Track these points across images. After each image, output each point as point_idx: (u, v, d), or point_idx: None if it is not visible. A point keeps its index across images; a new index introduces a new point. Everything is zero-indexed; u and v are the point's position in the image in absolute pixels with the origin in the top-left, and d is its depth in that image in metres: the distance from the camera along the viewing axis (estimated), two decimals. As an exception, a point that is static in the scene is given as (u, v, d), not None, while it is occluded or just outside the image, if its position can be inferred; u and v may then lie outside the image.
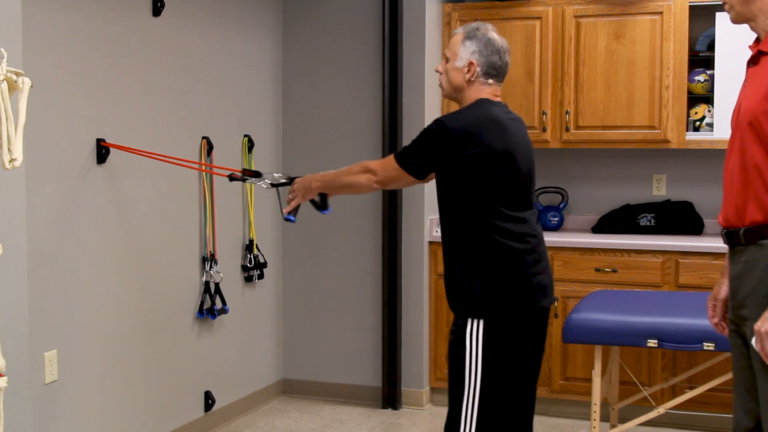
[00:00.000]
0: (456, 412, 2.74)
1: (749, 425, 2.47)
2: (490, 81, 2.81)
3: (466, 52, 2.80)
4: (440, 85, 2.91)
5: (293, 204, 3.05)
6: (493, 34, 2.81)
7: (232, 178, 3.36)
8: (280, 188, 3.31)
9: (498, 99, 2.84)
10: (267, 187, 3.30)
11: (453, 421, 2.75)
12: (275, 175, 3.31)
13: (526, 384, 2.86)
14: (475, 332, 2.71)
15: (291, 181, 3.16)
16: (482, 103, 2.78)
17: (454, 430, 2.74)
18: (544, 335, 2.89)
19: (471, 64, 2.79)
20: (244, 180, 3.35)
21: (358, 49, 4.87)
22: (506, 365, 2.73)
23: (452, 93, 2.87)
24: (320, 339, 5.03)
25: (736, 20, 2.46)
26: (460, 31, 2.85)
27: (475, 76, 2.79)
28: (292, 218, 3.09)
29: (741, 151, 2.36)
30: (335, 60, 4.93)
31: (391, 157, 2.81)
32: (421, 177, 2.81)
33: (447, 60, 2.86)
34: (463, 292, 2.75)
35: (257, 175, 3.31)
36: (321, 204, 3.08)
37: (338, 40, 4.92)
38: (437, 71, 2.91)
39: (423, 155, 2.75)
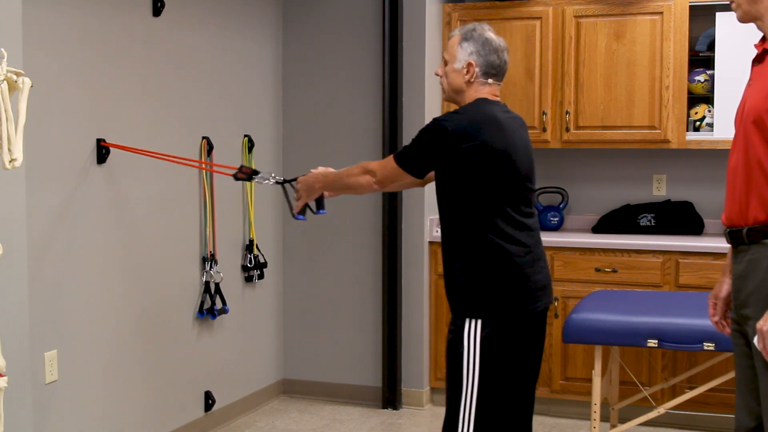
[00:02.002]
0: (454, 412, 2.74)
1: (751, 425, 2.46)
2: (490, 81, 2.81)
3: (464, 54, 2.80)
4: (441, 88, 2.92)
5: (300, 204, 3.10)
6: (490, 34, 2.81)
7: (236, 178, 3.36)
8: (286, 187, 3.32)
9: (497, 98, 2.84)
10: (273, 184, 3.31)
11: (451, 421, 2.75)
12: (272, 174, 3.33)
13: (525, 384, 2.86)
14: (473, 332, 2.71)
15: (292, 180, 3.17)
16: (480, 102, 2.78)
17: (451, 430, 2.74)
18: (542, 335, 2.89)
19: (470, 65, 2.79)
20: (249, 179, 3.35)
21: (358, 49, 4.87)
22: (504, 365, 2.72)
23: (452, 95, 2.87)
24: (320, 339, 5.03)
25: (743, 19, 2.46)
26: (456, 33, 2.85)
27: (474, 76, 2.79)
28: (303, 217, 3.12)
29: (744, 150, 2.36)
30: (335, 60, 4.93)
31: (390, 158, 2.82)
32: (420, 176, 2.81)
33: (446, 63, 2.86)
34: (461, 292, 2.75)
35: (256, 173, 3.33)
36: (317, 205, 3.11)
37: (338, 40, 4.92)
38: (437, 74, 2.92)
39: (421, 154, 2.75)
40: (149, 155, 3.77)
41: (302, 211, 3.13)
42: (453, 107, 2.92)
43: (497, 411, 2.74)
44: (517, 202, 2.76)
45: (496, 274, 2.71)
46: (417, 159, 2.76)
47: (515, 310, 2.74)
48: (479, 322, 2.71)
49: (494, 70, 2.81)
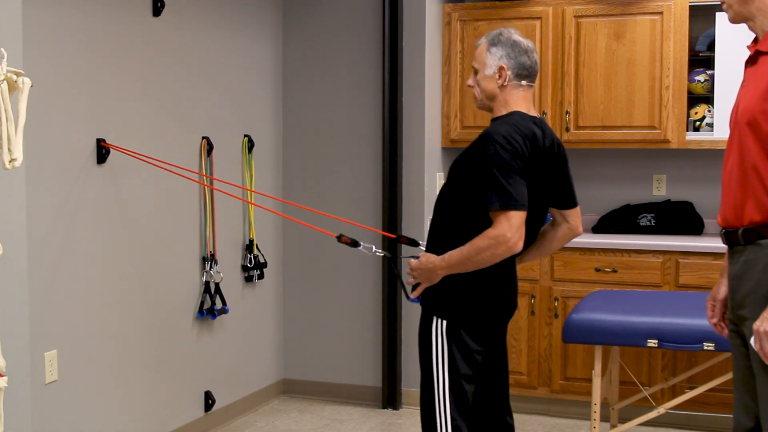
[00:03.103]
0: (430, 404, 2.79)
1: (749, 425, 2.47)
2: (523, 83, 2.78)
3: (493, 59, 2.77)
4: (474, 98, 2.88)
5: (420, 290, 2.85)
6: (517, 36, 2.80)
7: (340, 240, 3.17)
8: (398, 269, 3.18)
9: (533, 112, 2.80)
10: (382, 255, 3.13)
11: (428, 412, 2.80)
12: (373, 248, 3.13)
13: (495, 384, 2.93)
14: (439, 330, 2.77)
15: (393, 258, 3.02)
16: (524, 118, 2.74)
17: (430, 420, 2.79)
18: (504, 338, 2.97)
19: (501, 68, 2.76)
20: (355, 246, 3.14)
21: (358, 49, 4.87)
22: (468, 365, 2.78)
23: (486, 102, 2.83)
24: (320, 339, 5.03)
25: (734, 20, 2.46)
26: (483, 41, 2.82)
27: (507, 80, 2.77)
28: (419, 301, 2.90)
29: (739, 151, 2.36)
30: (335, 60, 4.93)
31: (500, 214, 2.60)
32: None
33: (476, 72, 2.83)
34: (434, 289, 2.79)
35: (355, 244, 3.13)
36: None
37: (338, 40, 4.92)
38: (469, 86, 2.87)
39: (516, 184, 2.61)
40: (152, 163, 3.76)
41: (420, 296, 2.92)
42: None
43: (469, 402, 2.80)
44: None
45: (469, 279, 2.74)
46: (521, 189, 2.62)
47: (480, 317, 2.79)
48: (445, 322, 2.77)
49: (526, 71, 2.79)
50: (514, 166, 2.61)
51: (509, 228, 2.58)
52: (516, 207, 2.58)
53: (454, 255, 2.69)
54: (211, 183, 4.31)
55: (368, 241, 3.12)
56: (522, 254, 2.86)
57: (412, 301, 2.89)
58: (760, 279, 2.32)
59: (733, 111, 2.44)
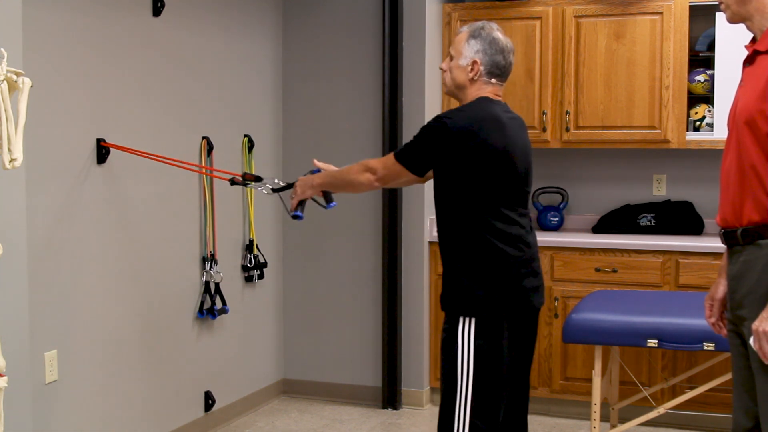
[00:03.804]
0: (449, 410, 2.76)
1: (748, 425, 2.47)
2: (493, 80, 2.81)
3: (470, 51, 2.80)
4: (443, 82, 2.91)
5: (294, 201, 3.08)
6: (498, 34, 2.81)
7: (233, 182, 3.37)
8: (282, 192, 3.31)
9: (499, 98, 2.84)
10: (268, 193, 3.31)
11: (446, 420, 2.76)
12: (276, 180, 3.31)
13: (518, 382, 2.89)
14: (466, 331, 2.73)
15: (292, 185, 3.16)
16: (482, 101, 2.78)
17: (447, 427, 2.75)
18: (534, 335, 2.92)
19: (474, 62, 2.79)
20: (245, 184, 3.35)
21: (358, 49, 4.87)
22: (497, 364, 2.74)
23: (454, 90, 2.87)
24: (320, 339, 5.03)
25: (732, 20, 2.46)
26: (465, 30, 2.85)
27: (478, 74, 2.80)
28: (299, 214, 3.11)
29: (738, 151, 2.36)
30: (335, 60, 4.93)
31: (390, 155, 2.82)
32: (421, 174, 2.81)
33: (451, 58, 2.86)
34: (454, 290, 2.77)
35: (258, 179, 3.31)
36: (325, 199, 3.10)
37: (338, 40, 4.92)
38: (441, 69, 2.91)
39: (422, 151, 2.75)
40: (150, 158, 3.76)
41: (299, 209, 3.10)
42: (454, 104, 2.92)
43: (492, 409, 2.75)
44: (514, 202, 2.76)
45: (491, 274, 2.72)
46: (418, 156, 2.76)
47: (508, 310, 2.76)
48: (473, 320, 2.73)
49: (498, 71, 2.81)
50: (431, 141, 2.72)
51: (383, 168, 2.81)
52: (401, 160, 2.77)
53: (331, 170, 3.05)
54: (211, 174, 4.31)
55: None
56: None
57: (293, 215, 3.09)
58: (759, 279, 2.32)
59: (731, 111, 2.45)
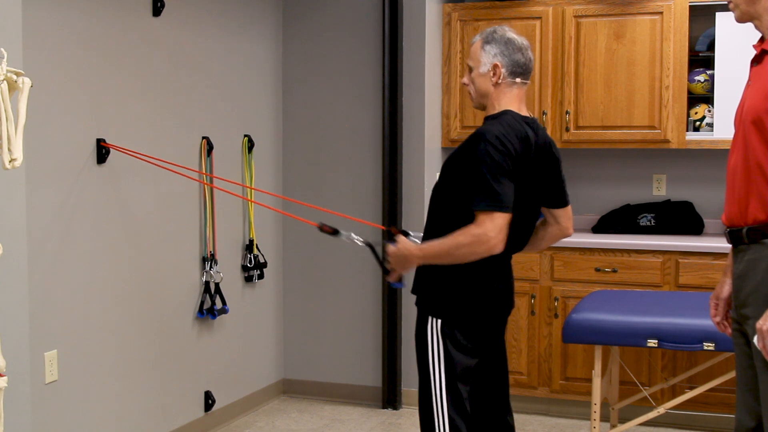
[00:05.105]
0: (427, 405, 2.77)
1: (751, 425, 2.47)
2: (518, 80, 2.78)
3: (488, 57, 2.77)
4: (469, 97, 2.88)
5: (394, 276, 2.86)
6: (512, 34, 2.79)
7: (321, 230, 3.14)
8: (374, 247, 3.10)
9: (525, 112, 2.79)
10: (361, 244, 3.10)
11: (426, 415, 2.78)
12: (352, 234, 3.12)
13: (495, 384, 2.91)
14: (435, 329, 2.76)
15: (371, 246, 3.01)
16: (515, 118, 2.72)
17: (428, 423, 2.77)
18: (502, 337, 2.95)
19: (496, 66, 2.76)
20: (334, 234, 3.12)
21: (358, 49, 4.87)
22: (465, 364, 2.76)
23: (480, 100, 2.83)
24: (320, 339, 5.03)
25: (741, 19, 2.46)
26: (478, 39, 2.81)
27: (501, 78, 2.76)
28: (400, 284, 2.92)
29: (744, 150, 2.36)
30: (335, 60, 4.93)
31: (484, 215, 2.58)
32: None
33: (470, 70, 2.82)
34: (425, 290, 2.80)
35: (336, 233, 3.12)
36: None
37: (338, 40, 4.92)
38: (464, 84, 2.87)
39: (503, 185, 2.60)
40: (151, 162, 3.76)
41: (399, 280, 2.91)
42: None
43: (465, 402, 2.77)
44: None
45: (462, 277, 2.73)
46: (508, 191, 2.60)
47: (474, 315, 2.77)
48: (439, 321, 2.75)
49: (521, 69, 2.78)
50: (504, 167, 2.59)
51: (492, 228, 2.56)
52: (501, 209, 2.57)
53: (433, 246, 2.68)
54: (211, 181, 4.31)
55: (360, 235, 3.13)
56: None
57: (394, 285, 2.91)
58: (764, 278, 2.32)
59: (738, 109, 2.45)
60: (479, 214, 2.58)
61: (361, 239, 3.08)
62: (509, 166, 2.60)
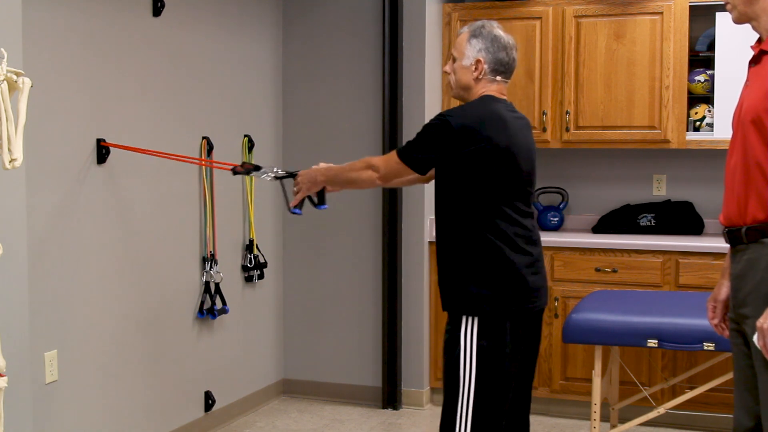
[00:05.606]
0: (451, 411, 2.74)
1: (749, 425, 2.46)
2: (498, 78, 2.80)
3: (472, 51, 2.79)
4: (449, 85, 2.90)
5: (299, 197, 3.08)
6: (499, 31, 2.81)
7: (235, 172, 3.38)
8: (284, 182, 3.31)
9: (503, 97, 2.83)
10: (270, 180, 3.31)
11: (448, 421, 2.75)
12: (275, 169, 3.32)
13: (521, 383, 2.87)
14: (469, 331, 2.72)
15: (293, 174, 3.16)
16: (486, 99, 2.78)
17: (449, 429, 2.74)
18: (538, 336, 2.91)
19: (478, 61, 2.78)
20: (247, 173, 3.35)
21: (358, 49, 4.87)
22: (500, 364, 2.72)
23: (460, 92, 2.86)
24: (320, 339, 5.03)
25: (739, 20, 2.46)
26: (465, 30, 2.84)
27: (482, 73, 2.79)
28: (299, 211, 3.13)
29: (743, 150, 2.36)
30: (335, 60, 4.93)
31: (393, 153, 2.81)
32: (423, 172, 2.80)
33: (454, 59, 2.85)
34: (457, 290, 2.76)
35: (257, 168, 3.32)
36: (318, 200, 3.10)
37: (338, 40, 4.92)
38: (445, 72, 2.90)
39: (425, 150, 2.74)
40: (149, 153, 3.77)
41: (299, 206, 3.11)
42: (455, 102, 2.92)
43: (494, 410, 2.74)
44: (517, 202, 2.75)
45: (494, 273, 2.71)
46: (421, 155, 2.75)
47: (511, 309, 2.74)
48: (476, 320, 2.71)
49: (503, 68, 2.80)
50: (433, 139, 2.71)
51: (386, 166, 2.82)
52: (403, 158, 2.76)
53: (333, 167, 3.01)
54: (210, 164, 4.31)
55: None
56: None
57: (292, 211, 3.11)
58: (763, 277, 2.32)
59: (737, 110, 2.45)
60: (391, 153, 2.83)
61: (275, 172, 3.32)
62: (439, 142, 2.70)
